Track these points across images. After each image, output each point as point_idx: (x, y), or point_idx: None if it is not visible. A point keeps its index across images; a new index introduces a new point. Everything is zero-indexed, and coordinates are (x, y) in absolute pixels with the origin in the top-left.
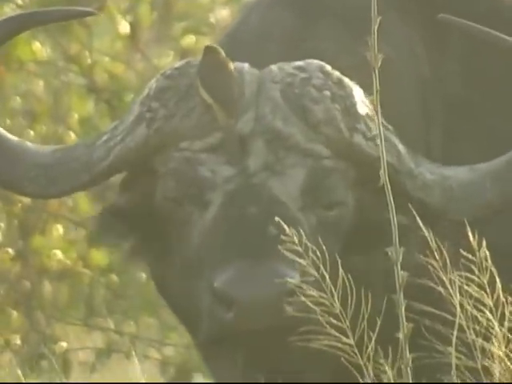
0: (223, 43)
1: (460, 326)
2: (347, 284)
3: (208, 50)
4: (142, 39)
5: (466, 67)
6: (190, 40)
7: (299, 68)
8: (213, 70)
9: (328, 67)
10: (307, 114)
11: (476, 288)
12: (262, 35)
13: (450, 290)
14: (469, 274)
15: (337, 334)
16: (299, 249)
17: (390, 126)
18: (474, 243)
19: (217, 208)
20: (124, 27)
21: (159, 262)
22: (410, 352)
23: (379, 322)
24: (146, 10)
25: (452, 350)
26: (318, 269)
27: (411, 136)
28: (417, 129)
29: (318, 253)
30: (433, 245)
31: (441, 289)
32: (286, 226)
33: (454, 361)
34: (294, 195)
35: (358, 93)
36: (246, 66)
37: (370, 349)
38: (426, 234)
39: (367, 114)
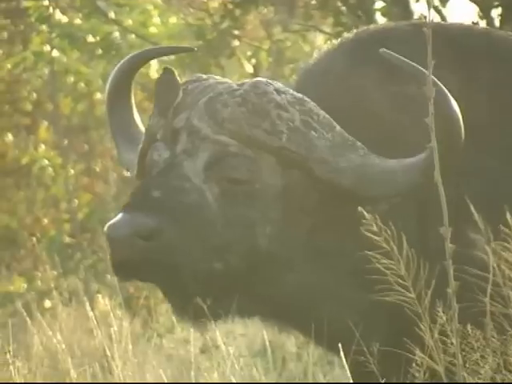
0: (303, 75)
1: (497, 282)
2: (410, 255)
3: (164, 70)
4: (262, 77)
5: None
6: None
7: (234, 88)
8: (165, 87)
9: (261, 86)
10: (216, 115)
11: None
12: (325, 71)
13: (490, 255)
14: (506, 244)
15: (402, 290)
16: (375, 229)
17: (315, 127)
18: (510, 221)
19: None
20: (249, 68)
21: None
22: (457, 303)
23: (433, 282)
24: (264, 56)
25: (487, 299)
26: (388, 243)
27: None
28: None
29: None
30: (480, 225)
31: (483, 256)
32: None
33: (488, 308)
34: (198, 171)
35: (282, 101)
36: (195, 84)
37: (426, 301)
38: (476, 217)
39: (278, 116)
